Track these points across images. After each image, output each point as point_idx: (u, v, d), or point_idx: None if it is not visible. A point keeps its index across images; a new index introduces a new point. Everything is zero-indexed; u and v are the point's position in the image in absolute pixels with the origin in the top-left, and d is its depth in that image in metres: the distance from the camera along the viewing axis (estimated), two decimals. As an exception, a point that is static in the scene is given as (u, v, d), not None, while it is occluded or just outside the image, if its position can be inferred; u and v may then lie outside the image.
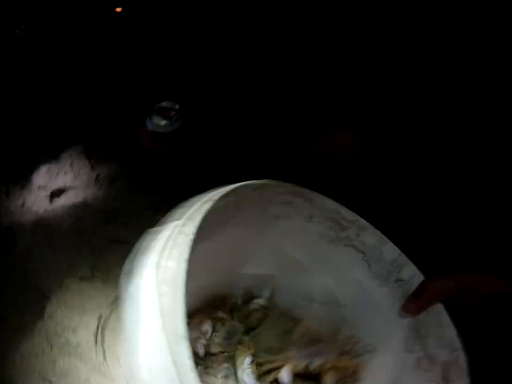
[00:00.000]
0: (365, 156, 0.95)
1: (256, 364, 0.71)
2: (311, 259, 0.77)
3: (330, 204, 0.74)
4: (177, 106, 0.95)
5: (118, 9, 1.13)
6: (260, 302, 0.79)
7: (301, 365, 0.71)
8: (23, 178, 0.89)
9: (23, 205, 0.85)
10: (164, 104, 0.94)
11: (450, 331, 0.65)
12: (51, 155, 0.93)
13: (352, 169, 0.95)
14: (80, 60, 1.07)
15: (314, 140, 0.99)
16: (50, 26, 1.07)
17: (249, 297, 0.80)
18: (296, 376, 0.71)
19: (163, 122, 0.92)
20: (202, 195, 0.61)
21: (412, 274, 0.72)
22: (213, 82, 1.11)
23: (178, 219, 0.56)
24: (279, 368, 0.71)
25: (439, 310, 0.67)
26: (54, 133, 0.97)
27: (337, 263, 0.76)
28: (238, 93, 1.10)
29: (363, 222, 0.74)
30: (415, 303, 0.69)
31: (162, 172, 0.93)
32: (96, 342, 0.72)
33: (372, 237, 0.74)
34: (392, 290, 0.72)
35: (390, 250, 0.73)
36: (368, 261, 0.74)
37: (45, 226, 0.84)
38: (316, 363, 0.72)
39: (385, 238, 0.74)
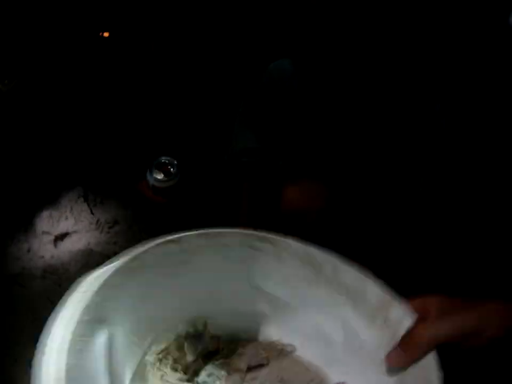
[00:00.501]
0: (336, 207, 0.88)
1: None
2: (295, 299, 0.72)
3: (298, 245, 0.69)
4: (175, 162, 1.01)
5: (106, 34, 1.17)
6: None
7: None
8: (25, 223, 0.96)
9: (29, 250, 0.92)
10: (163, 159, 1.01)
11: None
12: (51, 200, 0.99)
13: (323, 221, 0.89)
14: (78, 107, 1.14)
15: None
16: (38, 76, 1.14)
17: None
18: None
19: (162, 177, 0.98)
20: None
21: (400, 315, 0.63)
22: (207, 139, 1.12)
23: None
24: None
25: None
26: (53, 178, 1.03)
27: (323, 302, 0.70)
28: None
29: (338, 256, 0.68)
30: (400, 355, 0.60)
31: (162, 221, 0.97)
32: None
33: (350, 276, 0.67)
34: (380, 331, 0.65)
35: (373, 290, 0.66)
36: (352, 301, 0.68)
37: (53, 272, 0.90)
38: None
39: (364, 276, 0.67)
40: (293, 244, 0.69)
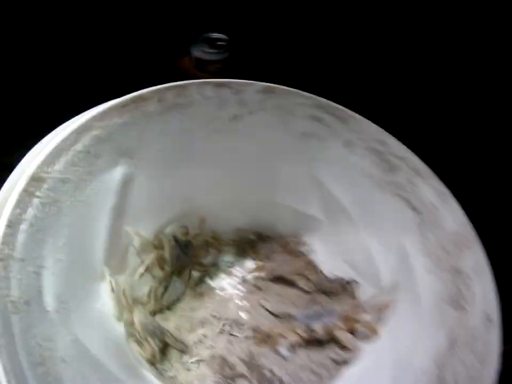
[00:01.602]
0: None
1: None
2: (356, 207, 0.56)
3: (372, 129, 0.52)
4: (225, 37, 0.86)
5: None
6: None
7: (299, 335, 0.54)
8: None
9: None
10: (211, 34, 0.86)
11: None
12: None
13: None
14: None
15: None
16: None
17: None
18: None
19: (211, 50, 0.84)
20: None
21: (475, 265, 0.46)
22: (263, 16, 0.92)
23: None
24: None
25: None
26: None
27: (385, 220, 0.53)
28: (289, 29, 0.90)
29: (417, 161, 0.51)
30: None
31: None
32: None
33: (428, 188, 0.50)
34: (442, 285, 0.47)
35: (453, 215, 0.48)
36: (422, 226, 0.51)
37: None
38: (317, 328, 0.53)
39: (448, 192, 0.49)
40: (365, 124, 0.53)
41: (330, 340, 0.53)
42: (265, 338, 0.53)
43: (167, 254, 0.57)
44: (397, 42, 0.79)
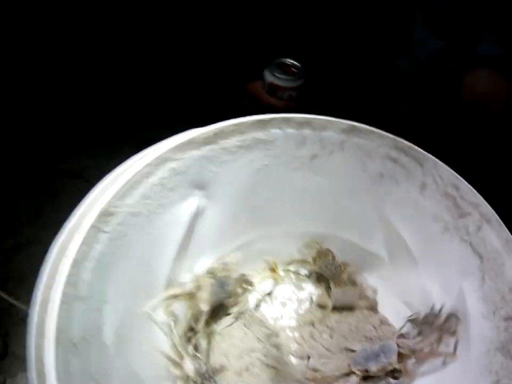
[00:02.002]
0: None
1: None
2: (421, 249, 0.57)
3: (447, 173, 0.54)
4: (298, 63, 0.84)
5: None
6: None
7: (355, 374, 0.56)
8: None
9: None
10: (283, 59, 0.85)
11: None
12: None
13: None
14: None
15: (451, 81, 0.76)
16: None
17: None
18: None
19: (284, 76, 0.82)
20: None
21: None
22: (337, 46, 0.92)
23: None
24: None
25: None
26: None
27: (448, 264, 0.54)
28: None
29: (488, 209, 0.51)
30: None
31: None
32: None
33: (495, 235, 0.51)
34: (495, 331, 0.49)
35: None
36: (484, 272, 0.53)
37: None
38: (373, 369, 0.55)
39: None
40: (442, 168, 0.54)
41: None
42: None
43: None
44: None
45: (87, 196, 0.45)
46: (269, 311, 0.62)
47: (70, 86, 0.88)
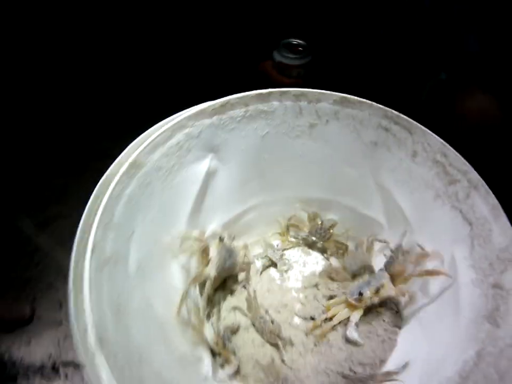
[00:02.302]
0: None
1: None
2: (416, 215, 0.58)
3: (435, 140, 0.55)
4: (304, 43, 0.90)
5: None
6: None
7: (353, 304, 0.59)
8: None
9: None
10: (290, 40, 0.89)
11: None
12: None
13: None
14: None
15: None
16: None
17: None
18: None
19: (291, 55, 0.87)
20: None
21: None
22: (341, 24, 0.93)
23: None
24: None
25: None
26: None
27: (441, 230, 0.55)
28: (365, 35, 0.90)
29: (475, 175, 0.52)
30: None
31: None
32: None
33: (483, 202, 0.51)
34: (483, 298, 0.49)
35: (502, 231, 0.50)
36: (473, 239, 0.52)
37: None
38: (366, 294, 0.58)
39: (500, 207, 0.50)
40: (430, 136, 0.55)
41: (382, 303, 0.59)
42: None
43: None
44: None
45: (125, 150, 0.55)
46: (276, 273, 0.66)
47: (92, 75, 0.95)
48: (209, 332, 0.57)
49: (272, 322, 0.57)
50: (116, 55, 0.98)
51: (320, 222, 0.67)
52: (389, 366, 0.55)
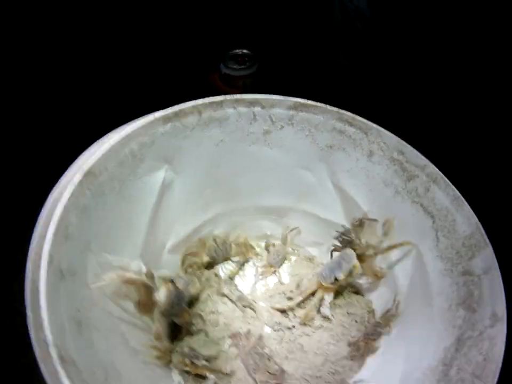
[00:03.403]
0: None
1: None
2: (377, 215, 0.59)
3: (391, 139, 0.56)
4: (250, 53, 0.91)
5: None
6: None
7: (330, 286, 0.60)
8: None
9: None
10: (236, 51, 0.92)
11: None
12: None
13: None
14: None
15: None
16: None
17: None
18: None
19: (236, 66, 0.89)
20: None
21: (486, 267, 0.48)
22: (286, 32, 0.98)
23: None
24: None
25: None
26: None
27: (404, 227, 0.56)
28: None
29: (433, 169, 0.54)
30: None
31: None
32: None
33: (444, 193, 0.53)
34: (454, 287, 0.50)
35: (465, 219, 0.51)
36: (437, 231, 0.54)
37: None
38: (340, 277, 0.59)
39: (461, 197, 0.52)
40: (385, 135, 0.57)
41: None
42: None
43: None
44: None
45: (76, 160, 0.52)
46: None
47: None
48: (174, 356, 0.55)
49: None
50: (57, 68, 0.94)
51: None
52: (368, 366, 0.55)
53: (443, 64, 0.80)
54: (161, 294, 0.54)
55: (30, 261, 0.43)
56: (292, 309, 0.61)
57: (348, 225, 0.61)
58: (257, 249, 0.69)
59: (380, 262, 0.60)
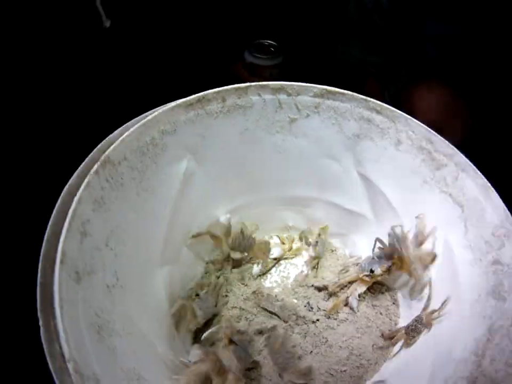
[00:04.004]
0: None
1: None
2: (403, 204, 0.58)
3: (419, 128, 0.55)
4: (275, 43, 0.92)
5: None
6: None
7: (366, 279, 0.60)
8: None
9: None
10: (262, 41, 0.92)
11: None
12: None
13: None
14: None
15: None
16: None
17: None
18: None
19: (262, 55, 0.89)
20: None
21: None
22: (312, 23, 0.97)
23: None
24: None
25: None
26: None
27: (431, 216, 0.55)
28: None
29: (462, 158, 0.52)
30: None
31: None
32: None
33: (473, 183, 0.51)
34: (483, 277, 0.49)
35: (495, 208, 0.50)
36: (466, 221, 0.53)
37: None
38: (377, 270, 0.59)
39: (490, 186, 0.51)
40: (414, 124, 0.55)
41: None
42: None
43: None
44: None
45: (95, 149, 0.51)
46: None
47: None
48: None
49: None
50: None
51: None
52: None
53: (462, 53, 0.79)
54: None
55: (42, 263, 0.41)
56: (331, 291, 0.62)
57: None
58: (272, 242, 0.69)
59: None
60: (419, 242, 0.56)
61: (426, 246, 0.56)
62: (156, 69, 0.97)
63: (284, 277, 0.66)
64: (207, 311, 0.59)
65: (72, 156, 0.52)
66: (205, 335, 0.56)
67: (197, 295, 0.60)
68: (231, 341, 0.53)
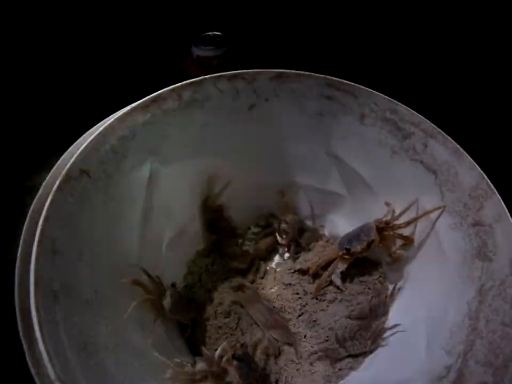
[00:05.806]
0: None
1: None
2: (376, 177, 0.59)
3: (382, 100, 0.55)
4: (220, 34, 0.94)
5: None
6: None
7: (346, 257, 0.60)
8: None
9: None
10: (207, 33, 0.94)
11: None
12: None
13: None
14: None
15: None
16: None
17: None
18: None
19: (207, 47, 0.91)
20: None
21: (496, 215, 0.48)
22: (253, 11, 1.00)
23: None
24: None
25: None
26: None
27: (404, 186, 0.56)
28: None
29: (429, 124, 0.53)
30: None
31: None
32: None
33: (443, 147, 0.52)
34: (466, 239, 0.50)
35: (469, 170, 0.50)
36: (441, 186, 0.54)
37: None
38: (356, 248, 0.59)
39: (460, 149, 0.51)
40: (376, 96, 0.55)
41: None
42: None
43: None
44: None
45: (54, 166, 0.50)
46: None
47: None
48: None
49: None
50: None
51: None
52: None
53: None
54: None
55: (18, 287, 0.41)
56: (313, 272, 0.63)
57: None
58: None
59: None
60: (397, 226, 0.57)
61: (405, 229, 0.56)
62: (103, 74, 0.96)
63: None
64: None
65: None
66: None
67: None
68: (234, 356, 0.52)
